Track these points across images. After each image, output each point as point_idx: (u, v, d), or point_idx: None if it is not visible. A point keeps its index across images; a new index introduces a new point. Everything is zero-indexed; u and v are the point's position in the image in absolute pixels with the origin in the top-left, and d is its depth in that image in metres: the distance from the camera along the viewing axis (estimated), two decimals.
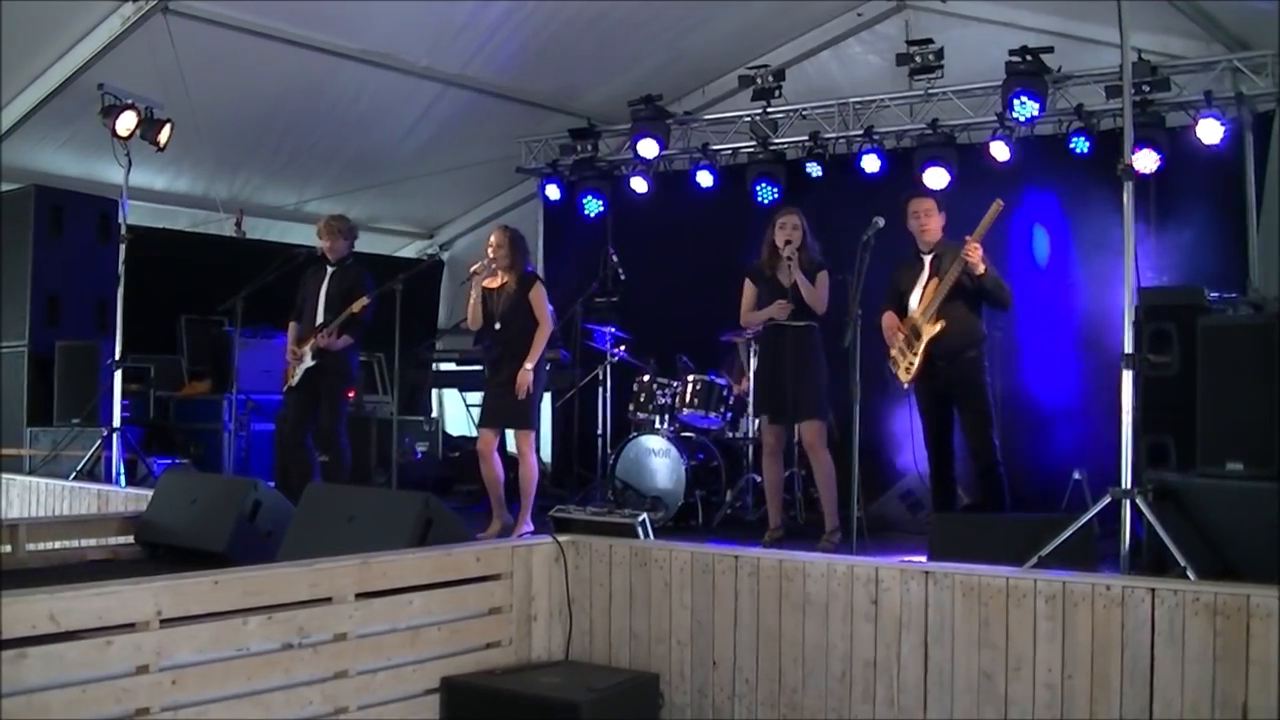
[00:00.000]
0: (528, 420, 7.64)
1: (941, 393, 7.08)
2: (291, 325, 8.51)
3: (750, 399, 8.65)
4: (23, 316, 10.19)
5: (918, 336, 7.01)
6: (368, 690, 5.14)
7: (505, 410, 7.64)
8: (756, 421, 8.68)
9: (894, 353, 7.13)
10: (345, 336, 8.26)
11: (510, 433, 7.86)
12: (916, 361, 7.00)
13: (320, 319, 8.31)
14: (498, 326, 7.65)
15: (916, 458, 7.69)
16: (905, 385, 7.14)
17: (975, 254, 6.78)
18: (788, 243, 7.26)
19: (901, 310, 7.19)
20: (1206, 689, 4.40)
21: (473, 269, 7.80)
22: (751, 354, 8.80)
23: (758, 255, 7.48)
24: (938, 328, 6.94)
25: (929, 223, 7.14)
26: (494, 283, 7.74)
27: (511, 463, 7.91)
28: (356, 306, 8.17)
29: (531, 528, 7.39)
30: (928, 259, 7.15)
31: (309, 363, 8.26)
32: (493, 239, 7.75)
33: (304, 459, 8.30)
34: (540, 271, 9.73)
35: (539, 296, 7.65)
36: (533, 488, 7.65)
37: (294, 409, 8.41)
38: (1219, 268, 8.39)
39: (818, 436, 7.22)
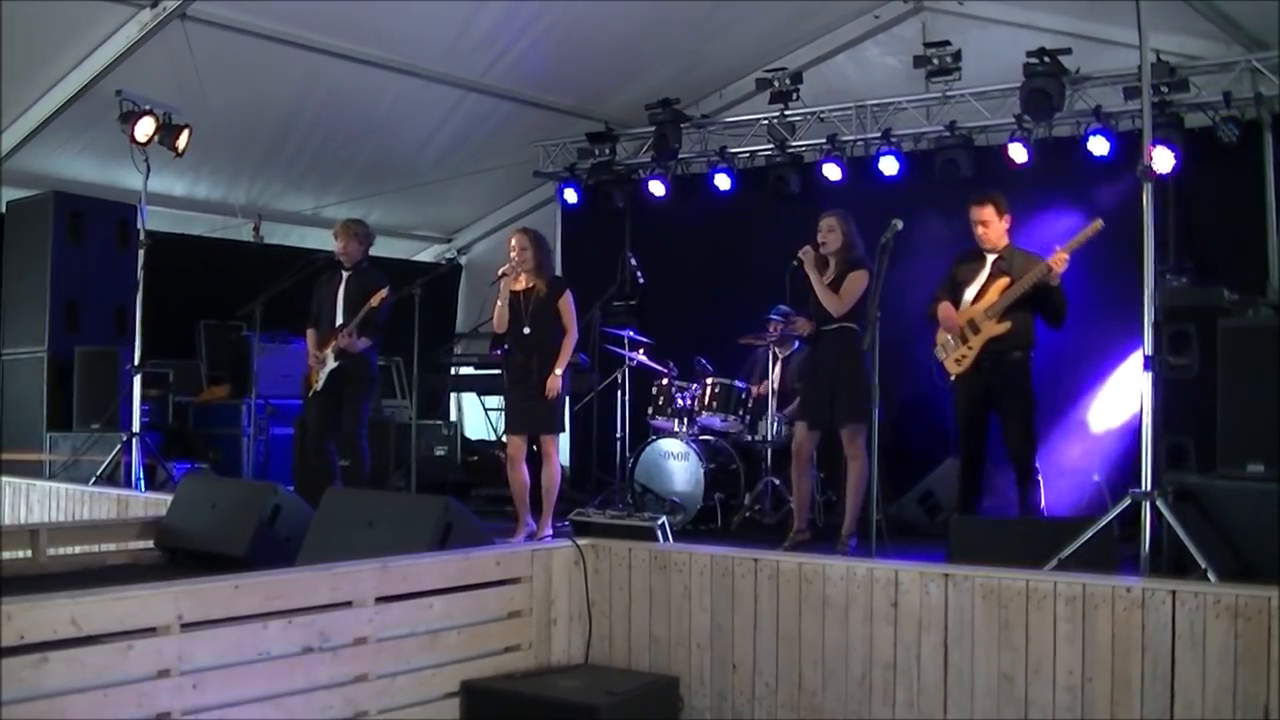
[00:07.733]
0: (555, 424, 7.64)
1: (982, 394, 6.98)
2: (310, 333, 8.50)
3: (769, 401, 8.66)
4: (42, 322, 10.22)
5: (975, 331, 6.93)
6: (388, 694, 5.14)
7: (533, 415, 7.63)
8: (775, 424, 8.68)
9: (947, 338, 7.05)
10: (364, 339, 8.26)
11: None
12: (971, 356, 6.93)
13: (340, 322, 8.31)
14: (526, 330, 7.62)
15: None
16: (952, 377, 7.06)
17: (1062, 267, 6.65)
18: (822, 244, 7.33)
19: (955, 302, 7.12)
20: (1228, 691, 4.37)
21: (501, 271, 7.76)
22: (770, 357, 8.81)
23: (780, 257, 7.49)
24: (1002, 328, 6.86)
25: (988, 232, 7.03)
26: (520, 285, 7.73)
27: (532, 468, 7.89)
28: (375, 300, 8.12)
29: (552, 532, 7.39)
30: (991, 257, 7.05)
31: (332, 364, 8.28)
32: (514, 242, 7.73)
33: (326, 464, 8.31)
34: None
35: (568, 304, 7.65)
36: (556, 491, 7.65)
37: (317, 414, 8.42)
38: (1238, 269, 8.35)
39: (854, 440, 7.16)
